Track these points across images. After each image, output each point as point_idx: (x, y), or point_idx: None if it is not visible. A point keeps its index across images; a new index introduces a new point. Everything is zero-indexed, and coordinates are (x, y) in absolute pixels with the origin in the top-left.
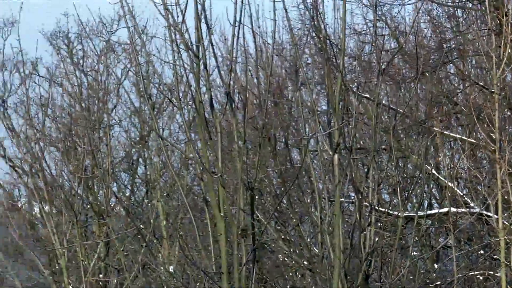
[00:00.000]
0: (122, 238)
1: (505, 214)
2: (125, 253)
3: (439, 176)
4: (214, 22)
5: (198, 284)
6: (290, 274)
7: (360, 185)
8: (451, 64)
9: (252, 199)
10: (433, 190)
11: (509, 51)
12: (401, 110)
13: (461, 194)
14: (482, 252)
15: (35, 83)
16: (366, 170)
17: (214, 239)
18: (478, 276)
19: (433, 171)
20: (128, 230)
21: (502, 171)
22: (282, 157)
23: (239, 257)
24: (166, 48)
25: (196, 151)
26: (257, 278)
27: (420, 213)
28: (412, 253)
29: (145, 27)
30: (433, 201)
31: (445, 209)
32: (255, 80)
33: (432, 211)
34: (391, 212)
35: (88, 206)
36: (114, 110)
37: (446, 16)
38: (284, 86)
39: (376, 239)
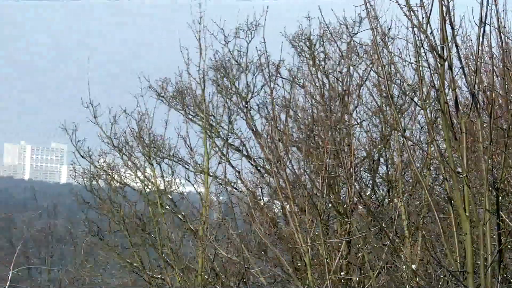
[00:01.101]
0: (365, 236)
1: None
2: (367, 252)
3: None
4: (459, 23)
5: (440, 283)
6: None
7: None
8: None
9: (498, 200)
10: None
11: None
12: None
13: None
14: None
15: (278, 84)
16: None
17: (458, 239)
18: None
19: None
20: (370, 229)
21: None
22: None
23: (484, 257)
24: (407, 49)
25: (439, 151)
26: (502, 279)
27: None
28: None
29: (389, 28)
30: None
31: None
32: (500, 80)
33: None
34: None
35: (330, 205)
36: (355, 111)
37: None
38: None
39: None
